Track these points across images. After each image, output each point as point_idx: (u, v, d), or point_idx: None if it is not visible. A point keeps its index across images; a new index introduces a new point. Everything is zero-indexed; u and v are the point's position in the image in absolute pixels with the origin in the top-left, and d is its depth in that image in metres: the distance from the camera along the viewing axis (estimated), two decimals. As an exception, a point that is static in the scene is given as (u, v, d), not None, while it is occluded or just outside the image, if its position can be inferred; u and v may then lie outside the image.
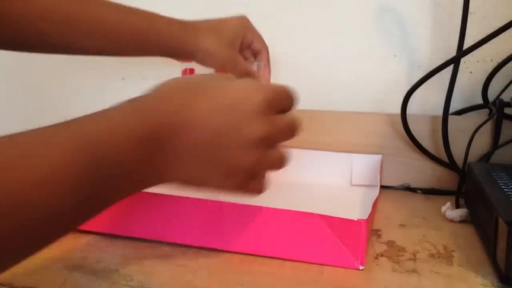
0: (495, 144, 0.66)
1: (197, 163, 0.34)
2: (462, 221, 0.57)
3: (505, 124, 0.66)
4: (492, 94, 0.67)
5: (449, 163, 0.67)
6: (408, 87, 0.67)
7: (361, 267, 0.44)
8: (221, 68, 0.61)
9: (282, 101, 0.38)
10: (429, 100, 0.74)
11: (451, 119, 0.66)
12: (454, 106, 0.70)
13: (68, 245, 0.48)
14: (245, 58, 0.66)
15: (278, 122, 0.37)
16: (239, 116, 0.34)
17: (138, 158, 0.31)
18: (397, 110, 0.68)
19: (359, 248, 0.43)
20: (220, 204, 0.47)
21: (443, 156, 0.67)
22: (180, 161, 0.33)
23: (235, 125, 0.34)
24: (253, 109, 0.34)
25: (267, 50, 0.66)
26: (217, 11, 0.82)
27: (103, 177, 0.30)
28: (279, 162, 0.38)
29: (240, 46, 0.64)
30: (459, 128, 0.67)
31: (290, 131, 0.39)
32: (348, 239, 0.44)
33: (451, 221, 0.57)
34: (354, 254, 0.44)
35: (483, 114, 0.70)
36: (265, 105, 0.35)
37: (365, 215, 0.45)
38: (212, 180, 0.36)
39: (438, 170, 0.69)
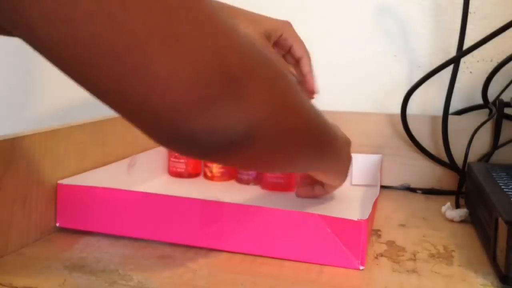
0: (495, 144, 0.67)
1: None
2: (462, 221, 0.57)
3: (505, 124, 0.66)
4: (492, 94, 0.67)
5: (449, 163, 0.67)
6: (408, 87, 0.67)
7: (361, 267, 0.44)
8: None
9: None
10: (429, 100, 0.74)
11: (451, 119, 0.66)
12: (454, 106, 0.70)
13: (68, 245, 0.48)
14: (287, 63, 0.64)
15: None
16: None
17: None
18: (397, 110, 0.68)
19: (359, 248, 0.43)
20: (220, 204, 0.47)
21: (443, 156, 0.67)
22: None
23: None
24: None
25: (309, 56, 0.63)
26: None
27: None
28: None
29: (279, 46, 0.62)
30: (459, 128, 0.67)
31: None
32: (348, 239, 0.44)
33: (451, 221, 0.57)
34: (354, 254, 0.44)
35: (483, 114, 0.70)
36: None
37: (365, 215, 0.45)
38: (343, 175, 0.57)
39: (438, 170, 0.69)
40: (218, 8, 0.28)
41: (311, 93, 0.64)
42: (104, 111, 0.66)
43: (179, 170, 0.71)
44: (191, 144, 0.29)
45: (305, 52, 0.63)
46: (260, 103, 0.31)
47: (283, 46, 0.62)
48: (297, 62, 0.63)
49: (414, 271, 0.44)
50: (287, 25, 0.62)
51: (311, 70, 0.63)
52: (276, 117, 0.33)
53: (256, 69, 0.30)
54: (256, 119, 0.31)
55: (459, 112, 0.72)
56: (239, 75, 0.28)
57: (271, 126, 0.32)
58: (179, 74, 0.25)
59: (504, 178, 0.53)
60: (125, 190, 0.50)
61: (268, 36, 0.60)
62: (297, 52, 0.62)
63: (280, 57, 0.63)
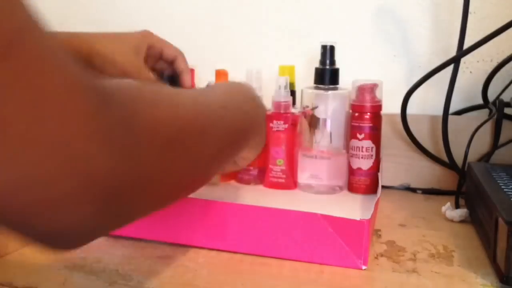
0: (495, 144, 0.66)
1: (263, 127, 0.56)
2: (462, 221, 0.57)
3: (505, 124, 0.66)
4: (492, 94, 0.67)
5: (449, 163, 0.67)
6: (408, 87, 0.67)
7: (363, 267, 0.44)
8: (123, 75, 0.58)
9: None
10: (429, 100, 0.74)
11: (451, 119, 0.66)
12: (454, 106, 0.70)
13: (68, 245, 0.48)
14: (162, 69, 0.65)
15: None
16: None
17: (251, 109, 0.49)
18: (397, 110, 0.68)
19: (361, 248, 0.43)
20: (220, 204, 0.47)
21: (443, 156, 0.67)
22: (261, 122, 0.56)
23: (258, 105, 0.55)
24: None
25: (183, 55, 0.65)
26: (222, 14, 0.82)
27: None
28: None
29: (152, 58, 0.63)
30: (459, 128, 0.67)
31: None
32: (351, 239, 0.44)
33: (451, 221, 0.57)
34: (357, 254, 0.44)
35: (483, 114, 0.70)
36: None
37: (367, 215, 0.45)
38: (262, 144, 0.56)
39: (438, 170, 0.69)
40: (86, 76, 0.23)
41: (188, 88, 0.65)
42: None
43: (179, 170, 0.71)
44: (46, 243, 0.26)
45: (177, 52, 0.64)
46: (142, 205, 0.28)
47: (154, 55, 0.63)
48: (171, 63, 0.64)
49: (414, 271, 0.44)
50: (149, 34, 0.62)
51: (186, 68, 0.65)
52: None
53: (136, 165, 0.26)
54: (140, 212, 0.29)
55: (459, 112, 0.72)
56: (110, 185, 0.24)
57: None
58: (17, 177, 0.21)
59: (504, 178, 0.53)
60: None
61: (137, 52, 0.60)
62: (170, 55, 0.63)
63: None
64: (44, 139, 0.21)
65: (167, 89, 0.35)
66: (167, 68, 0.66)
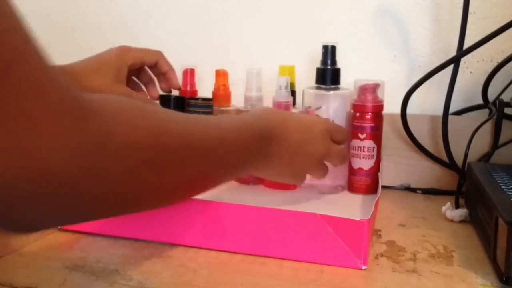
0: (495, 144, 0.67)
1: (279, 164, 0.49)
2: (462, 221, 0.57)
3: (505, 124, 0.66)
4: (492, 94, 0.67)
5: (449, 163, 0.67)
6: (408, 87, 0.67)
7: (363, 267, 0.44)
8: None
9: (338, 134, 0.53)
10: (429, 100, 0.74)
11: (451, 119, 0.66)
12: (454, 106, 0.70)
13: (68, 245, 0.48)
14: (148, 78, 0.67)
15: (333, 147, 0.52)
16: (311, 136, 0.50)
17: (255, 148, 0.45)
18: (397, 110, 0.68)
19: (361, 248, 0.43)
20: (220, 204, 0.47)
21: (443, 156, 0.67)
22: (270, 160, 0.48)
23: (308, 142, 0.50)
24: (319, 133, 0.51)
25: (163, 57, 0.65)
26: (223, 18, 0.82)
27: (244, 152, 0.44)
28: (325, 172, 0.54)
29: (134, 70, 0.65)
30: (459, 128, 0.67)
31: (340, 157, 0.54)
32: (351, 239, 0.44)
33: (451, 221, 0.57)
34: (357, 254, 0.44)
35: (483, 114, 0.70)
36: (326, 132, 0.51)
37: (367, 215, 0.45)
38: (284, 176, 0.52)
39: (438, 170, 0.69)
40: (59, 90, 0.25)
41: (176, 88, 0.67)
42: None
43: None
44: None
45: (158, 55, 0.65)
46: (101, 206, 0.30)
47: (138, 66, 0.64)
48: (155, 66, 0.65)
49: (414, 271, 0.44)
50: (125, 52, 0.63)
51: (169, 67, 0.66)
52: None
53: (100, 171, 0.28)
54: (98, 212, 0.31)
55: (459, 112, 0.72)
56: (73, 178, 0.26)
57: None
58: None
59: (504, 178, 0.53)
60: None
61: (119, 78, 0.61)
62: (150, 61, 0.64)
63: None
64: (17, 150, 0.23)
65: (157, 112, 0.35)
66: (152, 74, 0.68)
